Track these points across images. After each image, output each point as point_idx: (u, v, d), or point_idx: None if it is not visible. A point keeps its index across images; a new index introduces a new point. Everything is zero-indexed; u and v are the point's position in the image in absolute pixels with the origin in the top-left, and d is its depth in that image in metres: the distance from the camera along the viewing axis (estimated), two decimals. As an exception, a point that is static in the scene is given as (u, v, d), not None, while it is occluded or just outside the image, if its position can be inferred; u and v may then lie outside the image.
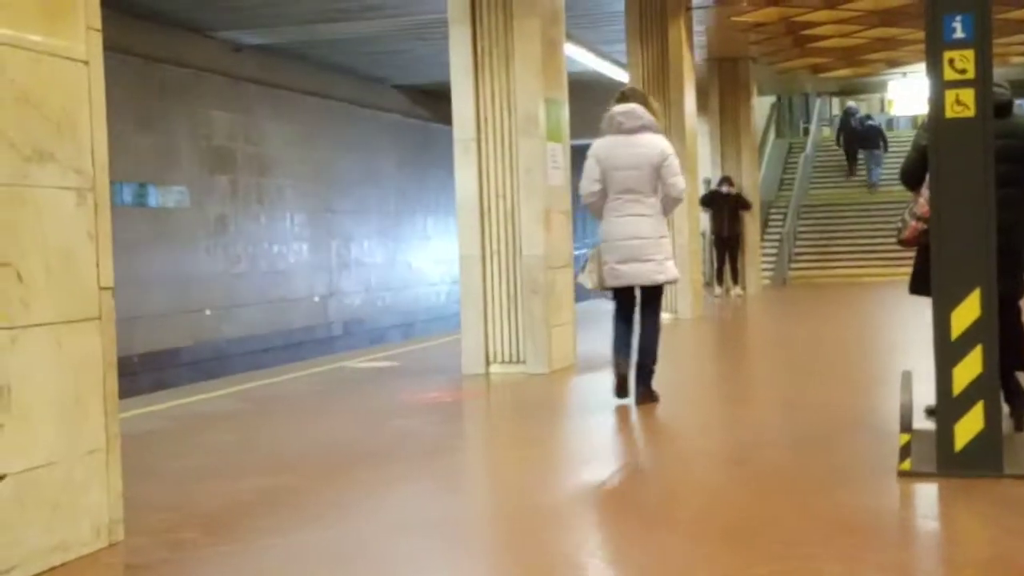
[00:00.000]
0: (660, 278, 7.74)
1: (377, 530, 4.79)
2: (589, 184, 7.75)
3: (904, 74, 23.52)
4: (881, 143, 26.98)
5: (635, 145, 7.65)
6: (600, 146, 7.79)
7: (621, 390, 7.82)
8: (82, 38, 4.33)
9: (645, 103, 7.95)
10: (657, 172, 7.62)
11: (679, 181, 7.72)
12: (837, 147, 28.72)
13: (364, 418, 7.94)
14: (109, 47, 4.75)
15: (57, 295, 4.19)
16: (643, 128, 7.71)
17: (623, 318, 8.03)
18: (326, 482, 5.74)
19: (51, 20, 4.19)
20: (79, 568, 4.18)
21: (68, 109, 4.25)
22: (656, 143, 7.71)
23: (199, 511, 5.15)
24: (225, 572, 4.30)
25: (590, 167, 7.76)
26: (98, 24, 4.40)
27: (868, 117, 28.44)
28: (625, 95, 8.12)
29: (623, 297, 7.98)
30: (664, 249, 7.75)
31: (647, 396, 7.78)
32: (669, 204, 7.80)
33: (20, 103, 4.04)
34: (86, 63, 4.34)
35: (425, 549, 4.49)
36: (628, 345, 7.97)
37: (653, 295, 7.93)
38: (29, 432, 4.05)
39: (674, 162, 7.72)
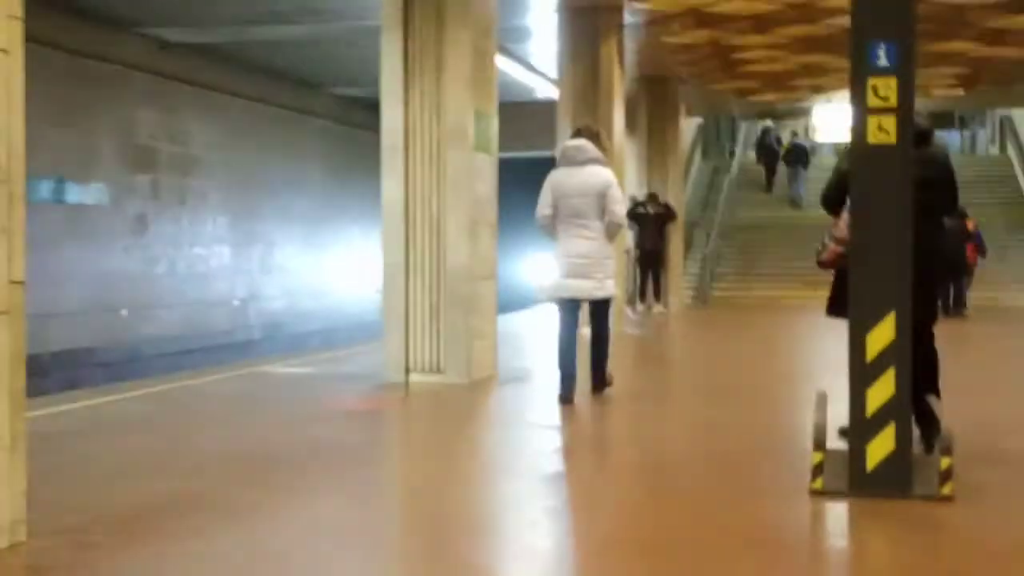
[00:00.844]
0: (599, 294, 8.63)
1: (288, 536, 4.73)
2: (542, 208, 8.66)
3: (829, 100, 23.85)
4: (805, 161, 27.94)
5: (583, 175, 8.53)
6: (553, 175, 8.74)
7: (565, 395, 8.54)
8: (2, 26, 4.25)
9: (596, 139, 8.82)
10: (601, 200, 8.49)
11: (619, 209, 8.66)
12: (758, 164, 30.12)
13: (282, 424, 7.86)
14: (31, 39, 4.67)
15: (-35, 288, 4.12)
16: (590, 160, 8.57)
17: (566, 325, 8.78)
18: (239, 487, 5.68)
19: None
20: (-22, 569, 4.11)
21: (-17, 98, 4.18)
22: (601, 174, 8.58)
23: (107, 513, 5.06)
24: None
25: (544, 193, 8.67)
26: (19, 12, 4.32)
27: (795, 134, 29.31)
28: (579, 131, 9.13)
29: (567, 307, 8.78)
30: (605, 269, 8.67)
31: (601, 385, 8.94)
32: (611, 229, 8.64)
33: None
34: (6, 52, 4.25)
35: (336, 556, 4.45)
36: (572, 353, 8.70)
37: (600, 308, 8.85)
38: (-68, 427, 3.97)
39: (616, 192, 8.63)
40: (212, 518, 5.01)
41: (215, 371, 10.88)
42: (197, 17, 17.13)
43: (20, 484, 4.38)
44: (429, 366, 9.67)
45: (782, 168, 28.75)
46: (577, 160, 8.60)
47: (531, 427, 7.79)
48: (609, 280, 8.73)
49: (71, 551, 4.41)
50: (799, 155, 28.20)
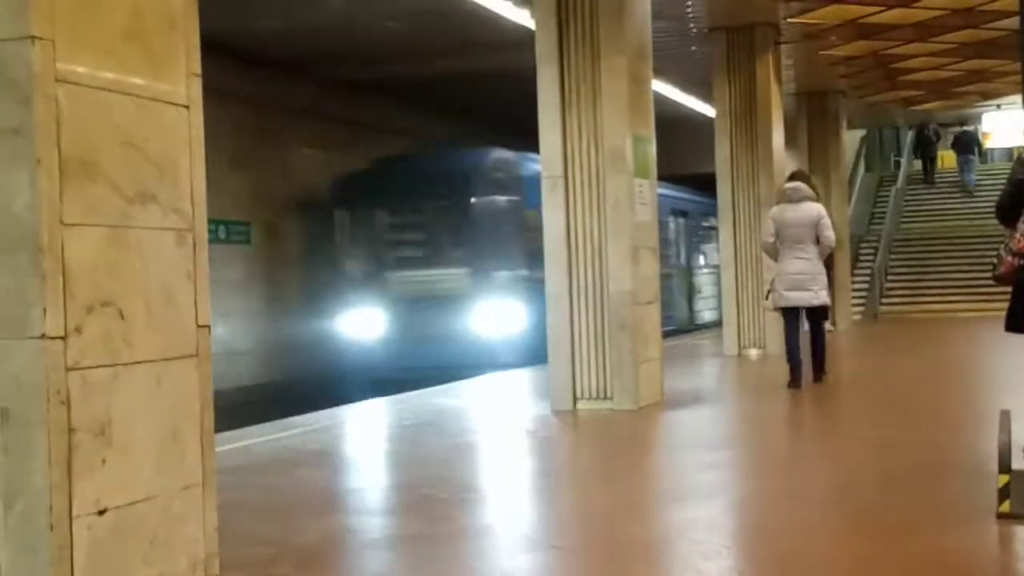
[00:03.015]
0: (814, 302, 11.03)
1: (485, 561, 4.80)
2: (767, 236, 11.32)
3: (999, 106, 23.22)
4: (976, 149, 27.49)
5: (799, 210, 10.97)
6: (775, 210, 11.39)
7: (794, 382, 10.94)
8: (183, 83, 4.41)
9: (807, 181, 11.60)
10: (815, 228, 10.92)
11: (831, 235, 11.13)
12: (915, 159, 30.32)
13: (461, 451, 7.98)
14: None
15: (157, 333, 4.26)
16: (804, 198, 11.07)
17: (793, 328, 11.21)
18: (416, 521, 5.79)
19: (155, 66, 4.28)
20: (175, 602, 4.26)
21: (169, 152, 4.33)
22: (814, 208, 11.08)
23: (293, 546, 5.22)
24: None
25: (768, 224, 11.35)
26: (198, 69, 4.48)
27: (963, 124, 28.64)
28: (793, 175, 11.90)
29: (792, 314, 11.19)
30: (819, 282, 11.02)
31: (820, 375, 11.44)
32: (823, 251, 11.03)
33: (125, 146, 4.13)
34: (187, 107, 4.42)
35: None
36: (796, 348, 11.12)
37: (818, 313, 11.39)
38: (129, 467, 4.11)
39: (827, 221, 11.10)
40: (387, 551, 5.12)
41: (382, 402, 11.07)
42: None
43: (212, 520, 4.53)
44: (596, 393, 9.69)
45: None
46: (794, 199, 11.01)
47: (704, 452, 7.75)
48: (823, 291, 11.05)
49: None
50: (968, 142, 27.70)
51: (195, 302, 4.44)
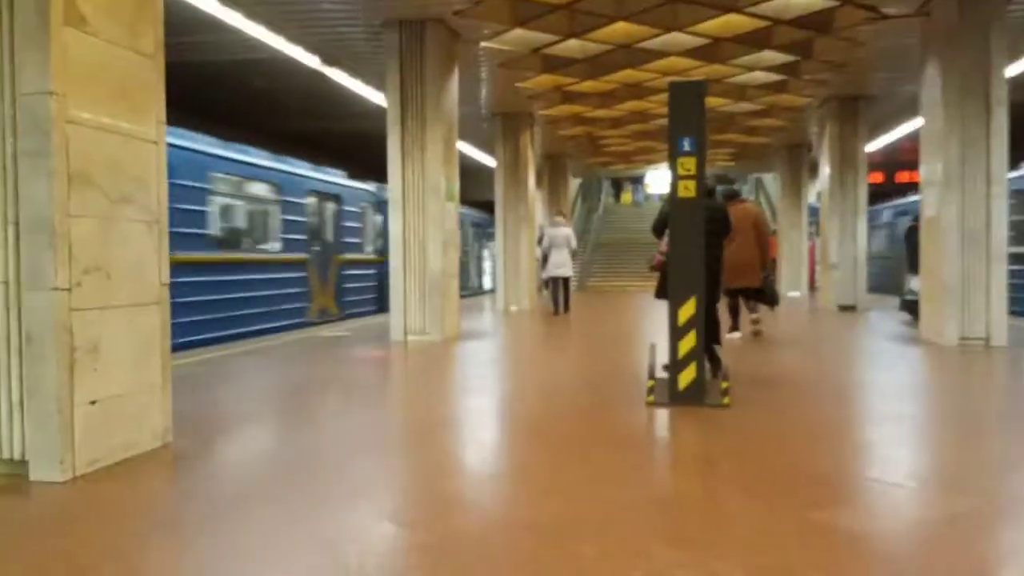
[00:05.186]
0: (567, 274, 13.50)
1: (329, 435, 4.69)
2: (541, 243, 13.73)
3: (656, 168, 24.05)
4: (643, 189, 29.27)
5: (559, 229, 13.51)
6: (549, 229, 13.68)
7: (556, 313, 13.40)
8: (154, 127, 4.15)
9: (562, 214, 14.62)
10: (567, 239, 13.37)
11: (575, 243, 13.59)
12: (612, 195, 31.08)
13: (331, 364, 7.79)
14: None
15: (132, 288, 4.01)
16: (561, 224, 13.73)
17: (556, 287, 13.55)
18: (305, 405, 5.62)
19: (135, 114, 4.01)
20: (143, 458, 4.01)
21: (142, 171, 4.07)
22: (567, 228, 13.67)
23: (222, 424, 4.99)
24: (237, 462, 4.17)
25: (542, 237, 13.74)
26: (163, 118, 4.22)
27: (635, 179, 30.23)
28: (558, 212, 15.00)
29: (556, 281, 13.49)
30: (568, 266, 13.42)
31: (561, 311, 13.44)
32: (571, 251, 13.41)
33: (113, 166, 3.86)
34: (155, 143, 4.16)
35: (365, 444, 4.41)
36: (558, 299, 13.50)
37: (567, 281, 13.67)
38: (112, 373, 3.88)
39: (572, 236, 13.62)
40: (286, 424, 4.95)
41: (285, 335, 10.72)
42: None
43: (168, 407, 4.30)
44: (420, 330, 9.61)
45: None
46: (557, 223, 13.78)
47: (485, 365, 7.77)
48: (569, 270, 13.58)
49: (199, 446, 4.33)
50: (639, 186, 28.80)
51: (159, 269, 4.19)
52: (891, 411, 5.29)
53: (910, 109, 13.60)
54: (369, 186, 15.60)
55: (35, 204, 3.55)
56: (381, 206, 15.42)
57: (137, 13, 4.02)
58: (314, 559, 2.71)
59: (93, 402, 3.75)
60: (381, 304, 15.28)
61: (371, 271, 15.54)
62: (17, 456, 3.67)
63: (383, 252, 15.25)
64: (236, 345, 9.37)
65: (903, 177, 22.98)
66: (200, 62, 11.49)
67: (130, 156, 3.97)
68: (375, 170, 13.69)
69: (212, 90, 13.98)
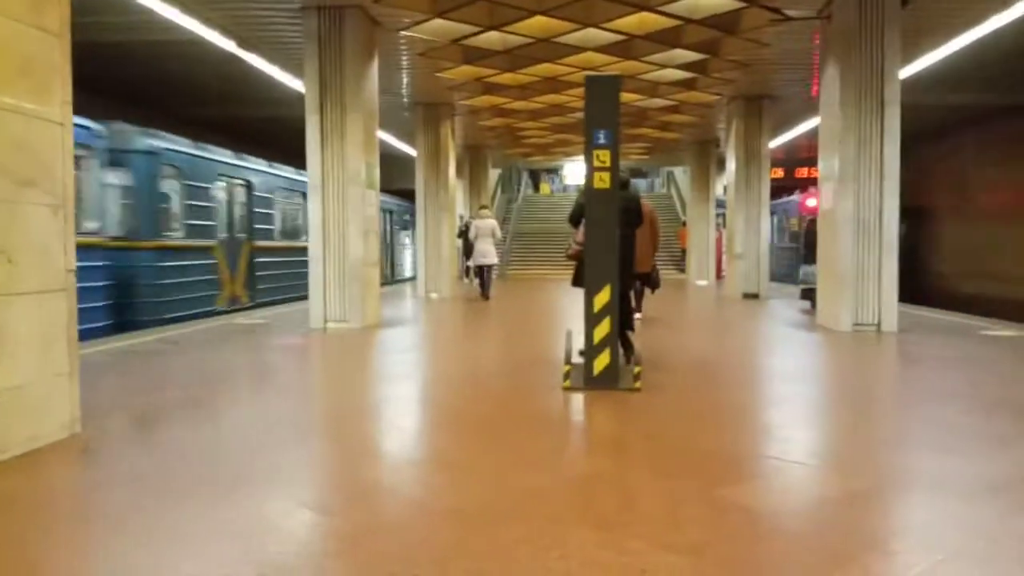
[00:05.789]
0: (492, 262, 14.33)
1: (244, 424, 4.57)
2: (466, 233, 14.56)
3: (573, 161, 24.26)
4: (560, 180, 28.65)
5: (485, 221, 14.23)
6: (476, 221, 14.37)
7: (484, 297, 14.07)
8: (59, 108, 3.93)
9: (488, 208, 15.15)
10: (492, 230, 14.13)
11: (499, 233, 14.39)
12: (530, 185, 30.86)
13: (248, 352, 7.57)
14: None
15: (37, 274, 3.80)
16: (487, 216, 14.37)
17: (483, 273, 14.32)
18: (220, 393, 5.45)
19: (39, 95, 3.79)
20: (49, 450, 3.82)
21: (48, 153, 3.86)
22: (492, 220, 14.40)
23: (135, 413, 4.79)
24: (149, 451, 4.01)
25: (467, 227, 14.88)
26: (70, 99, 4.00)
27: (552, 170, 30.03)
28: (483, 206, 15.45)
29: (481, 269, 14.27)
30: (493, 255, 14.26)
31: (486, 295, 14.15)
32: (496, 241, 14.18)
33: (16, 148, 3.64)
34: (61, 124, 3.94)
35: (281, 433, 4.31)
36: (485, 282, 14.25)
37: (491, 269, 14.41)
38: (15, 363, 3.67)
39: (497, 228, 14.35)
40: (200, 413, 4.79)
41: (202, 322, 10.38)
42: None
43: (76, 397, 4.11)
44: (339, 317, 9.45)
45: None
46: (483, 216, 14.45)
47: (405, 351, 7.70)
48: (495, 258, 14.40)
49: (109, 436, 4.15)
50: (556, 177, 28.67)
51: (65, 253, 3.98)
52: (790, 393, 5.50)
53: (810, 108, 14.13)
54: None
55: (-71, 186, 3.32)
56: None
57: (40, -12, 3.80)
58: (229, 548, 2.63)
59: (-6, 393, 3.54)
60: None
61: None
62: (-90, 450, 3.44)
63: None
64: (151, 332, 9.01)
65: (802, 173, 23.90)
66: (110, 42, 10.94)
67: (34, 138, 3.75)
68: (294, 156, 13.34)
69: (121, 71, 13.33)
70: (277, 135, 19.12)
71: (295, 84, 11.92)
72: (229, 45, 10.27)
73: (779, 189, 23.17)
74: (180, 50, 11.29)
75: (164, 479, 3.42)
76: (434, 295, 15.30)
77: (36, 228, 3.78)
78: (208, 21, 9.54)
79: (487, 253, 14.13)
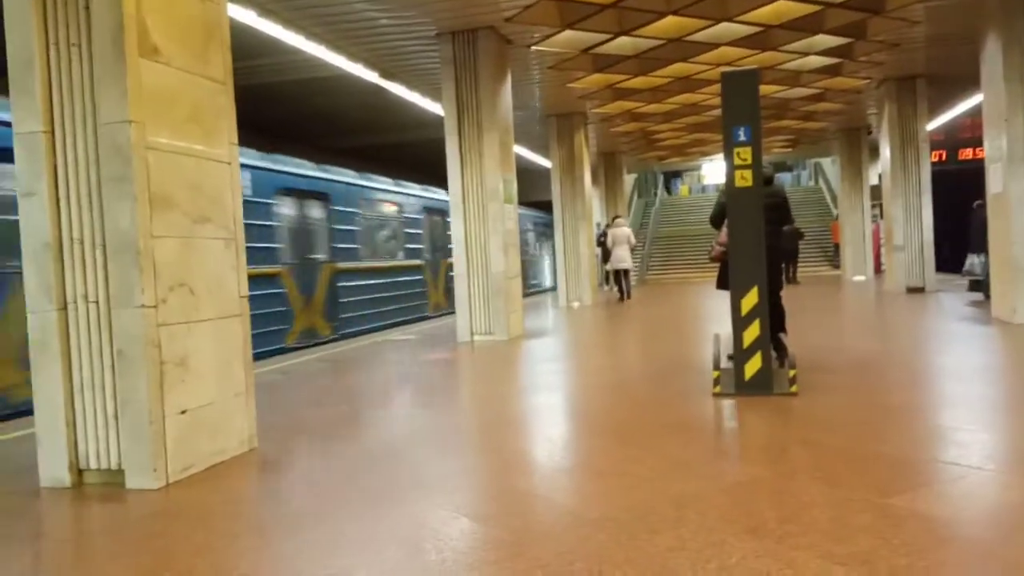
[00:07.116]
0: (628, 267, 15.38)
1: (403, 435, 4.76)
2: (603, 240, 16.03)
3: (712, 160, 23.68)
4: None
5: (620, 229, 15.16)
6: (613, 229, 15.39)
7: (621, 300, 15.18)
8: (227, 149, 4.28)
9: (622, 217, 16.23)
10: (628, 236, 15.13)
11: (634, 240, 15.51)
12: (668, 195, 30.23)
13: (401, 366, 7.89)
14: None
15: (214, 302, 4.15)
16: (622, 224, 15.37)
17: (619, 278, 15.53)
18: (378, 407, 5.71)
19: (208, 137, 4.15)
20: (232, 463, 4.14)
21: (219, 190, 4.21)
22: (627, 229, 15.28)
23: (301, 429, 5.11)
24: (318, 463, 4.26)
25: (604, 235, 16.19)
26: (236, 140, 4.35)
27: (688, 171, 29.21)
28: (617, 215, 16.64)
29: (619, 273, 15.47)
30: (628, 260, 15.33)
31: (625, 298, 15.45)
32: (631, 247, 15.25)
33: (190, 188, 4.00)
34: (229, 163, 4.29)
35: (438, 443, 4.46)
36: (623, 287, 15.43)
37: (628, 273, 15.53)
38: (199, 384, 4.01)
39: (631, 234, 15.29)
40: (361, 426, 5.04)
41: (359, 340, 10.90)
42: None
43: (252, 413, 4.43)
44: (485, 330, 9.67)
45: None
46: (620, 224, 15.45)
47: (550, 361, 7.78)
48: (630, 264, 15.57)
49: (282, 450, 4.45)
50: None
51: (238, 283, 4.32)
52: (963, 393, 5.10)
53: (971, 85, 13.08)
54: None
55: (120, 227, 3.69)
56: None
57: (206, 42, 4.16)
58: (396, 555, 2.76)
59: (183, 412, 3.88)
60: None
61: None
62: (114, 466, 3.83)
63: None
64: (311, 352, 9.58)
65: (966, 155, 22.15)
66: (261, 84, 11.79)
67: (206, 177, 4.11)
68: (436, 177, 13.82)
69: (270, 110, 14.32)
70: (418, 158, 19.90)
71: (434, 108, 12.36)
72: (371, 76, 10.80)
73: (948, 173, 21.60)
74: (327, 85, 11.99)
75: (334, 488, 3.63)
76: (575, 304, 15.35)
77: (212, 260, 4.13)
78: (352, 56, 10.08)
79: (624, 258, 15.30)
